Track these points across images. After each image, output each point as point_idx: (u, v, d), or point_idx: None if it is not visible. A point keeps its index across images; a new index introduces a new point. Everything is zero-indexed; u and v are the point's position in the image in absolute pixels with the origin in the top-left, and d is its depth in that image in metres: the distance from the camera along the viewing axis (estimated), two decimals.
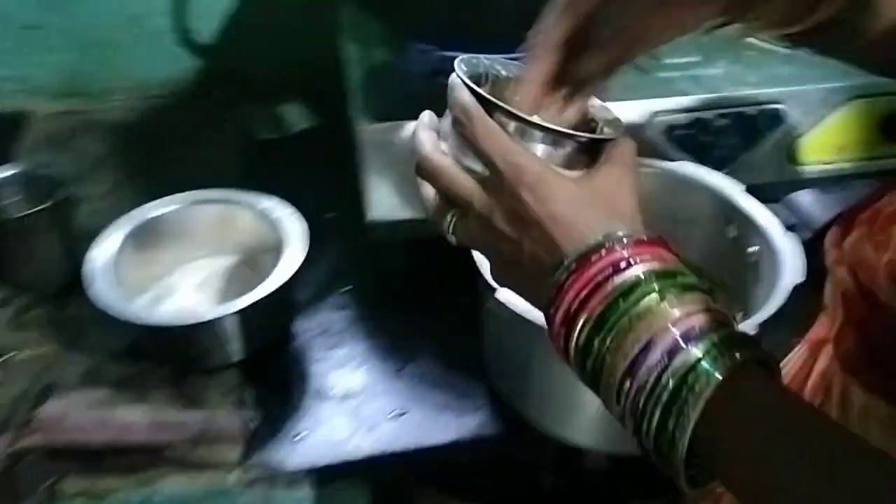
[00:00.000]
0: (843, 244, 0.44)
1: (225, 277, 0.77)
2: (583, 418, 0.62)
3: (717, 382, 0.36)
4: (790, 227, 0.67)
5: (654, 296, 0.38)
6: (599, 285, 0.39)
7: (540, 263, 0.42)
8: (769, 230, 0.64)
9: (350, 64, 0.85)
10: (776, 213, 0.67)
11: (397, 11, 0.74)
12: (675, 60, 0.82)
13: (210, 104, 1.05)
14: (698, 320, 0.38)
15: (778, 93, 0.79)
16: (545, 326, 0.56)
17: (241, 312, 0.66)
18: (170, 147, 0.97)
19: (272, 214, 0.74)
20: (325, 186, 0.89)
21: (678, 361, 0.37)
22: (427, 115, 0.48)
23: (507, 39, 0.78)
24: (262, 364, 0.70)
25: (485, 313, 0.64)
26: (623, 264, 0.39)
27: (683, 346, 0.37)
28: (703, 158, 0.80)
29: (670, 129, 0.78)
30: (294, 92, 1.02)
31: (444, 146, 0.46)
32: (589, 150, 0.45)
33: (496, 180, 0.43)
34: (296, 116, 1.00)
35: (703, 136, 0.79)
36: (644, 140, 0.77)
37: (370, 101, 0.79)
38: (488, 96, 0.45)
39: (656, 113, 0.77)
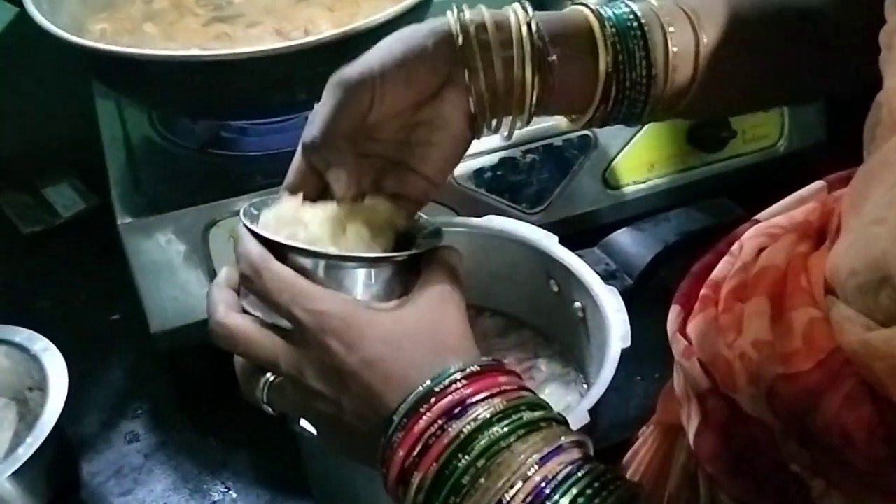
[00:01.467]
0: (688, 330, 0.39)
1: None
2: None
3: None
4: (610, 275, 0.63)
5: (500, 441, 0.33)
6: (434, 437, 0.34)
7: (365, 421, 0.36)
8: (589, 283, 0.59)
9: (110, 144, 0.73)
10: (593, 260, 0.63)
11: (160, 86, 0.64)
12: None
13: None
14: (556, 464, 0.33)
15: None
16: None
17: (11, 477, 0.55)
18: None
19: (26, 347, 0.62)
20: (105, 280, 0.77)
21: None
22: (224, 273, 0.41)
23: (275, 105, 0.70)
24: None
25: (297, 435, 0.55)
26: (458, 409, 0.34)
27: (544, 497, 0.32)
28: (517, 198, 0.75)
29: (479, 174, 0.72)
30: (59, 174, 0.89)
31: (245, 303, 0.39)
32: (409, 268, 0.40)
33: (299, 334, 0.37)
34: (65, 201, 0.86)
35: (514, 176, 0.74)
36: (454, 190, 0.71)
37: (135, 186, 0.68)
38: (277, 238, 0.38)
39: None
